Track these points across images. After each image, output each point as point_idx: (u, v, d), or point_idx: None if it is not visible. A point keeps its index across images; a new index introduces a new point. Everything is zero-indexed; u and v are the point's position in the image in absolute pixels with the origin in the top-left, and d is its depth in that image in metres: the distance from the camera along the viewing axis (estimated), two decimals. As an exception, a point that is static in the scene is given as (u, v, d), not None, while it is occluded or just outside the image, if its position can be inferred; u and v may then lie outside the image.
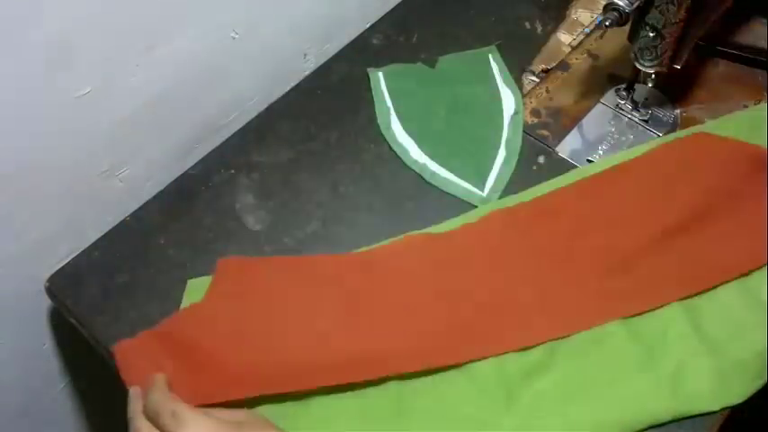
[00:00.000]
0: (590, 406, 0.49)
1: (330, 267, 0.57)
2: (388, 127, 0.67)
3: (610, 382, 0.50)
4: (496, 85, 0.71)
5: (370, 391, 0.51)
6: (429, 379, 0.51)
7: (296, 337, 0.53)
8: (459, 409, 0.50)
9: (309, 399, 0.50)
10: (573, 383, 0.50)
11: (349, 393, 0.50)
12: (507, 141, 0.66)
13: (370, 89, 0.70)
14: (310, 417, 0.50)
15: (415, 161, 0.65)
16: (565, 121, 0.67)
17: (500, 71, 0.72)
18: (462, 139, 0.67)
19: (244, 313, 0.54)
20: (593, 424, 0.48)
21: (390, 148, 0.66)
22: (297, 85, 0.72)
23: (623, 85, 0.66)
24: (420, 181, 0.64)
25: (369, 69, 0.71)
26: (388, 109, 0.69)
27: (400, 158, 0.65)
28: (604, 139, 0.65)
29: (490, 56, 0.73)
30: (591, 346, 0.52)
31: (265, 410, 0.49)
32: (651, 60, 0.60)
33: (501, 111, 0.68)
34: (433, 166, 0.64)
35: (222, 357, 0.51)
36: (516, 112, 0.68)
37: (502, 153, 0.65)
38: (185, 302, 0.56)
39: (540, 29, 0.75)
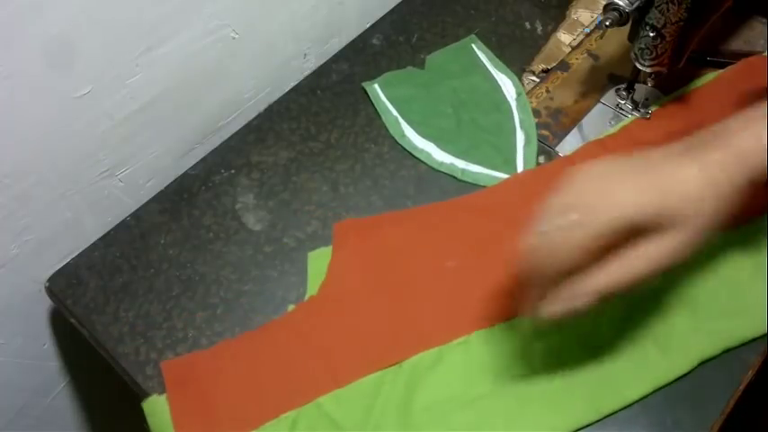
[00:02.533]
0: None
1: (442, 212, 0.61)
2: (403, 135, 0.67)
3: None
4: (489, 72, 0.71)
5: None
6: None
7: (426, 284, 0.56)
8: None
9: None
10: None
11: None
12: (522, 123, 0.66)
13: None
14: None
15: (442, 162, 0.65)
16: (565, 121, 0.67)
17: (488, 58, 0.72)
18: (478, 131, 0.67)
19: (370, 275, 0.57)
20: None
21: (395, 148, 0.66)
22: (297, 85, 0.72)
23: (623, 85, 0.66)
24: (419, 181, 0.64)
25: (363, 83, 0.70)
26: (396, 118, 0.68)
27: (425, 163, 0.65)
28: (604, 139, 0.65)
29: (473, 46, 0.73)
30: None
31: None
32: (651, 60, 0.60)
33: (504, 96, 0.69)
34: (461, 164, 0.64)
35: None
36: (519, 94, 0.68)
37: (521, 135, 0.66)
38: (311, 272, 0.58)
39: (540, 29, 0.75)
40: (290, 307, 0.57)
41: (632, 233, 0.40)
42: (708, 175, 0.39)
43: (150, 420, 0.52)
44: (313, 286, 0.57)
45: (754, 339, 0.53)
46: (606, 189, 0.40)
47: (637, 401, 0.50)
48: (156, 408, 0.52)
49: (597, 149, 0.64)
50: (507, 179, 0.63)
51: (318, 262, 0.59)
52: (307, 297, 0.57)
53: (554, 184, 0.59)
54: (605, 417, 0.50)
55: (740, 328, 0.53)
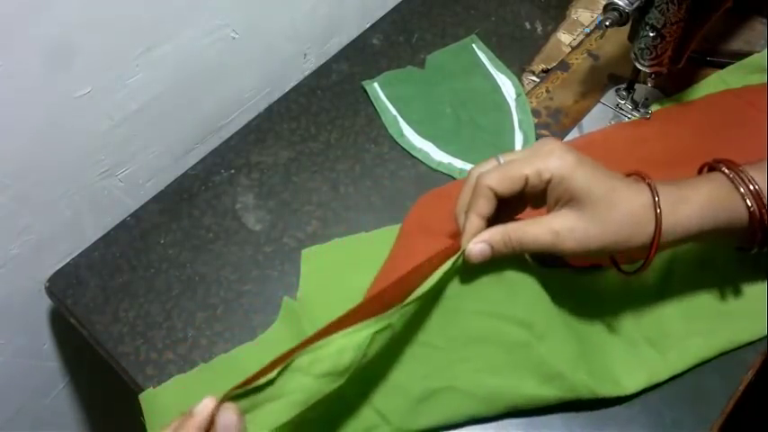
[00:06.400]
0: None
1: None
2: (401, 135, 0.67)
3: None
4: (489, 72, 0.71)
5: None
6: None
7: None
8: None
9: None
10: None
11: None
12: (520, 123, 0.67)
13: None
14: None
15: (440, 162, 0.65)
16: (565, 121, 0.67)
17: (488, 59, 0.72)
18: (477, 131, 0.67)
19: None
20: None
21: (395, 148, 0.66)
22: (297, 85, 0.72)
23: (623, 85, 0.66)
24: (419, 181, 0.64)
25: (363, 82, 0.70)
26: (395, 117, 0.68)
27: (423, 162, 0.65)
28: (604, 139, 0.65)
29: (474, 46, 0.73)
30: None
31: None
32: (651, 60, 0.60)
33: (503, 96, 0.69)
34: (459, 164, 0.64)
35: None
36: (518, 95, 0.69)
37: (519, 136, 0.66)
38: (304, 269, 0.58)
39: (540, 29, 0.75)
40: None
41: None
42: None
43: (146, 413, 0.51)
44: (305, 284, 0.57)
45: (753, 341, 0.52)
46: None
47: (634, 396, 0.50)
48: (153, 401, 0.51)
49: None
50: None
51: (312, 260, 0.58)
52: (298, 295, 0.56)
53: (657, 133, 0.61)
54: (599, 399, 0.49)
55: (739, 331, 0.52)
